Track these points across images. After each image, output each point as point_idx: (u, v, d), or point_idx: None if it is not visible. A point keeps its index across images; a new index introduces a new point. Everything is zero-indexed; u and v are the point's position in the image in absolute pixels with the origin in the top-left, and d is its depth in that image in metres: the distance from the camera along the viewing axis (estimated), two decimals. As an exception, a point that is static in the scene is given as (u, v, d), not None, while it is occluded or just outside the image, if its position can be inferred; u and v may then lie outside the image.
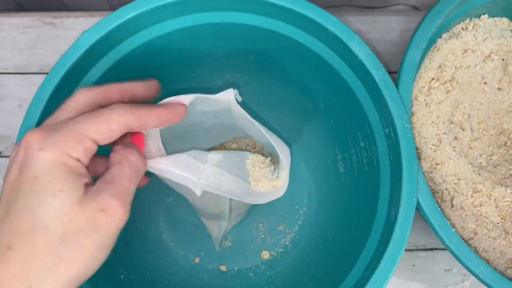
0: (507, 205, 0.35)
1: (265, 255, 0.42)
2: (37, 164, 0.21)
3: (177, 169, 0.28)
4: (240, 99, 0.30)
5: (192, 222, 0.42)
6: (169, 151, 0.29)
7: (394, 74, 0.34)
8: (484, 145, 0.39)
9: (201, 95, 0.29)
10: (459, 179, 0.36)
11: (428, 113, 0.36)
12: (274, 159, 0.35)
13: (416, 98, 0.37)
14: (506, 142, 0.39)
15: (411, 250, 0.42)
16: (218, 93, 0.29)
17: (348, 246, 0.35)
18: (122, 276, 0.36)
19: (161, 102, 0.28)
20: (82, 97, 0.24)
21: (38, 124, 0.29)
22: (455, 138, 0.37)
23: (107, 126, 0.23)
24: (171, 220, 0.42)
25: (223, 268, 0.41)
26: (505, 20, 0.40)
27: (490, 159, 0.38)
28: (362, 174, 0.36)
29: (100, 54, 0.32)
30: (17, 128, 0.29)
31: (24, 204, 0.21)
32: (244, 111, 0.30)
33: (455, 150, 0.36)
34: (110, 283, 0.34)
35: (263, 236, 0.42)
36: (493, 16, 0.40)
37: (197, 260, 0.42)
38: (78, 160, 0.22)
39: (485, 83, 0.39)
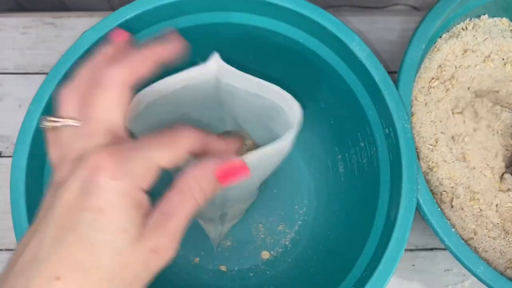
0: (508, 208, 0.35)
1: (265, 255, 0.42)
2: (106, 194, 0.19)
3: None
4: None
5: (192, 222, 0.42)
6: None
7: (394, 74, 0.34)
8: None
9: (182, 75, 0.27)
10: (456, 184, 0.36)
11: (427, 112, 0.36)
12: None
13: (416, 98, 0.37)
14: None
15: (411, 250, 0.42)
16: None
17: (348, 246, 0.35)
18: (122, 276, 0.36)
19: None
20: (115, 76, 0.22)
21: (38, 124, 0.29)
22: (452, 137, 0.37)
23: (175, 153, 0.21)
24: (171, 220, 0.42)
25: (223, 268, 0.41)
26: (505, 20, 0.40)
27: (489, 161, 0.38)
28: (362, 174, 0.36)
29: (100, 54, 0.32)
30: (17, 128, 0.29)
31: (82, 234, 0.19)
32: (235, 70, 0.28)
33: (451, 152, 0.36)
34: (110, 283, 0.34)
35: (263, 236, 0.42)
36: (493, 16, 0.40)
37: (197, 260, 0.42)
38: (144, 191, 0.21)
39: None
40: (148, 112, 0.27)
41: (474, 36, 0.39)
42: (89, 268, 0.19)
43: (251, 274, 0.41)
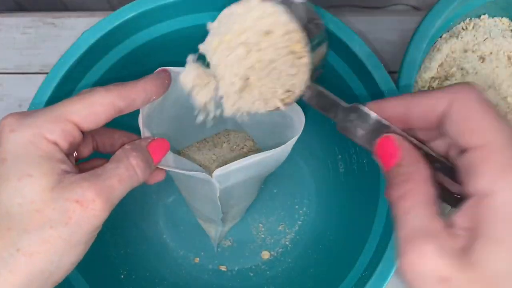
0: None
1: (265, 255, 0.42)
2: (6, 145, 0.20)
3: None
4: None
5: (192, 222, 0.42)
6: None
7: (394, 74, 0.34)
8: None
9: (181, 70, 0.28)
10: None
11: (428, 113, 0.36)
12: None
13: (416, 98, 0.37)
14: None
15: (411, 250, 0.42)
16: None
17: (348, 246, 0.35)
18: (122, 276, 0.36)
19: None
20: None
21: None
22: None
23: (90, 108, 0.21)
24: (171, 220, 0.42)
25: (223, 268, 0.41)
26: (505, 20, 0.40)
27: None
28: (362, 174, 0.36)
29: (100, 54, 0.32)
30: (17, 128, 0.29)
31: None
32: None
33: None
34: (110, 283, 0.34)
35: (263, 236, 0.42)
36: (493, 16, 0.40)
37: (197, 260, 0.42)
38: (55, 143, 0.20)
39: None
40: (160, 110, 0.28)
41: (474, 36, 0.39)
42: None
43: (251, 274, 0.41)
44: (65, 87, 0.30)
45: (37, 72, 0.46)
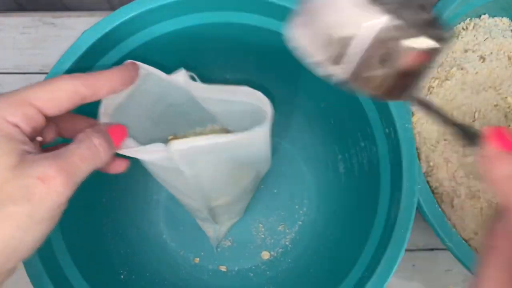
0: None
1: (265, 255, 0.42)
2: None
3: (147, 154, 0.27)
4: (198, 81, 0.29)
5: (192, 222, 0.42)
6: (148, 138, 0.29)
7: (394, 74, 0.34)
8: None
9: (153, 70, 0.29)
10: (456, 183, 0.36)
11: (428, 113, 0.36)
12: None
13: (416, 98, 0.37)
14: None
15: (411, 250, 0.42)
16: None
17: (348, 246, 0.35)
18: (122, 276, 0.35)
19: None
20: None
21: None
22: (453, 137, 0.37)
23: (53, 93, 0.22)
24: (171, 220, 0.42)
25: (223, 268, 0.41)
26: (505, 20, 0.40)
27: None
28: (362, 174, 0.36)
29: (100, 54, 0.32)
30: (17, 128, 0.29)
31: None
32: (201, 85, 0.29)
33: (452, 152, 0.36)
34: (110, 283, 0.34)
35: (263, 236, 0.42)
36: (493, 16, 0.40)
37: (197, 260, 0.42)
38: (16, 125, 0.21)
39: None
40: (131, 102, 0.28)
41: (474, 35, 0.39)
42: None
43: (251, 274, 0.41)
44: (65, 87, 0.30)
45: (37, 72, 0.46)
